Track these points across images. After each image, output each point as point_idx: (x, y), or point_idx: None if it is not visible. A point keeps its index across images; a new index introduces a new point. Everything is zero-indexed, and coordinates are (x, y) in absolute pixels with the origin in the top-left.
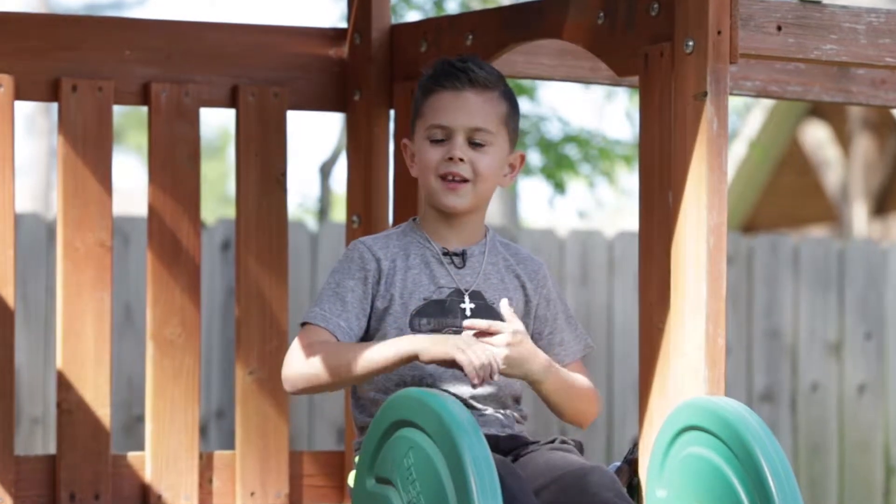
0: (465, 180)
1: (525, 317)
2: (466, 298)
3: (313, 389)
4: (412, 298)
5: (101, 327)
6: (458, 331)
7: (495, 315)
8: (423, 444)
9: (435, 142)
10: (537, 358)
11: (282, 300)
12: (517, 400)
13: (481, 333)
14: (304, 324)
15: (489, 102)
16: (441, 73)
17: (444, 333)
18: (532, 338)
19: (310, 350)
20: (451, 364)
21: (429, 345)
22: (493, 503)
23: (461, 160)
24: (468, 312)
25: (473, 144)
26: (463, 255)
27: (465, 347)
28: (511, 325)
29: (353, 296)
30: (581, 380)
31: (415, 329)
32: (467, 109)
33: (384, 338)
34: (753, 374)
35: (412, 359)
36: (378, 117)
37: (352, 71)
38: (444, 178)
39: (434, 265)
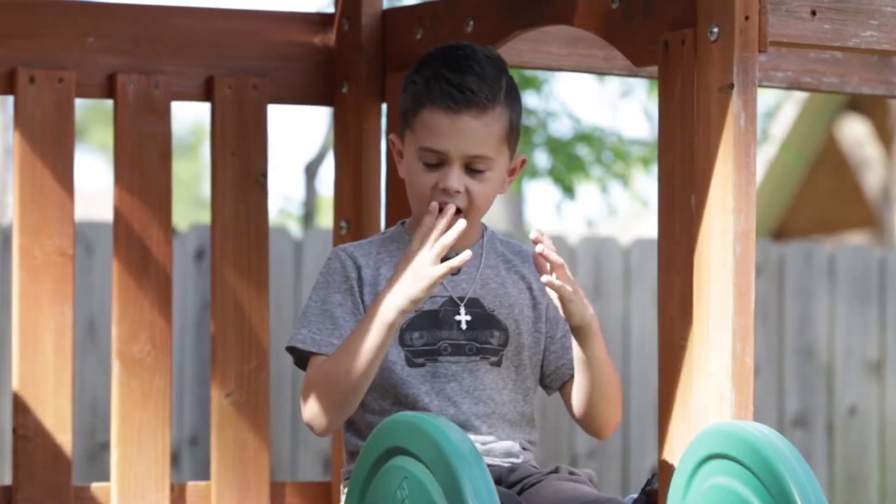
0: (458, 211)
1: (536, 321)
2: (462, 308)
3: (337, 417)
4: None
5: (61, 344)
6: (455, 345)
7: (495, 324)
8: (419, 474)
9: (427, 165)
10: (589, 307)
11: (262, 314)
12: (528, 421)
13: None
14: (292, 349)
15: (490, 126)
16: (436, 89)
17: (440, 347)
18: (546, 342)
19: (311, 386)
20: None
21: (404, 295)
22: None
23: (457, 192)
24: (464, 325)
25: (471, 171)
26: None
27: (430, 255)
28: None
29: (343, 310)
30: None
31: (406, 345)
32: (465, 136)
33: None
34: (785, 397)
35: (403, 316)
36: (368, 112)
37: (339, 60)
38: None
39: None
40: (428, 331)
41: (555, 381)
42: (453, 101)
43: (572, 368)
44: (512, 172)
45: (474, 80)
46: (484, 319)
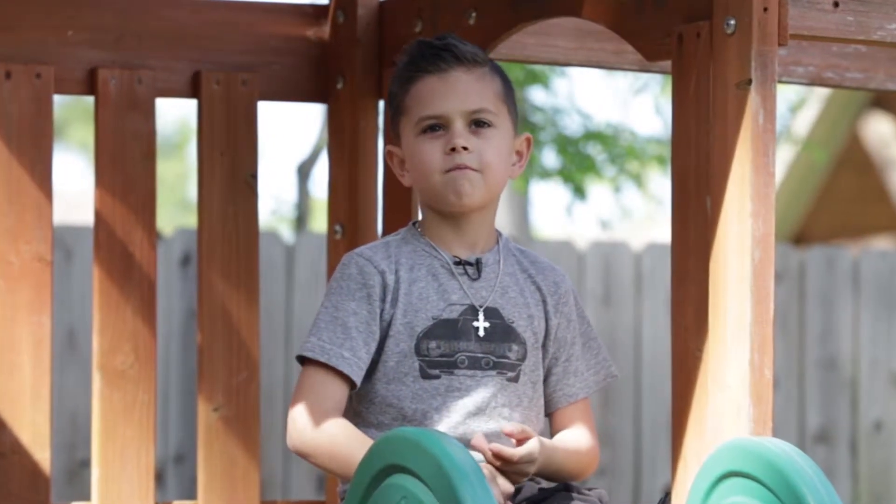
0: (473, 170)
1: (545, 338)
2: (481, 316)
3: (315, 465)
4: (418, 318)
5: (39, 356)
6: (472, 358)
7: (513, 337)
8: (418, 492)
9: (430, 135)
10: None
11: (252, 324)
12: None
13: (501, 458)
14: (301, 358)
15: (482, 79)
16: (420, 56)
17: (457, 360)
18: (549, 363)
19: (324, 418)
20: None
21: None
22: None
23: (465, 149)
24: (481, 333)
25: (475, 129)
26: (477, 264)
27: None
28: (527, 448)
29: (357, 319)
30: (574, 442)
31: (422, 354)
32: (460, 91)
33: (384, 364)
34: (806, 411)
35: None
36: (365, 109)
37: (334, 55)
38: (449, 172)
39: (444, 277)
40: (446, 340)
41: (548, 405)
42: (441, 60)
43: (570, 396)
44: (520, 155)
45: (457, 43)
46: (502, 331)
